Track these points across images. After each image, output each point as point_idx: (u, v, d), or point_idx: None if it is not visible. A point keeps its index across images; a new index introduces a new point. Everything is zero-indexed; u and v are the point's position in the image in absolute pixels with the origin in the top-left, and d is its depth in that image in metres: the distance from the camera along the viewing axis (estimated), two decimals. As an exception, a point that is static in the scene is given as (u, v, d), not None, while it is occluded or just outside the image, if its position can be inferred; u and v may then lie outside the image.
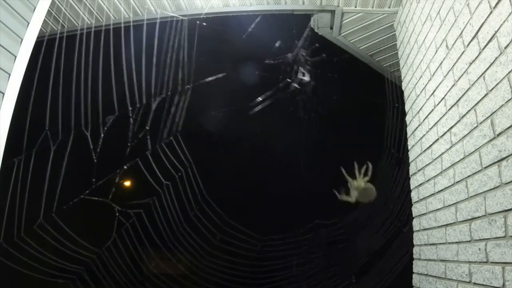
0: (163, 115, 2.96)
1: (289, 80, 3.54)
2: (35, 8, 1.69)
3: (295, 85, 3.54)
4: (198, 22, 2.81)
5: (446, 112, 1.83)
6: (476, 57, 1.50)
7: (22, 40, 1.62)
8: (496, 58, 1.34)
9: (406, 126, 2.57)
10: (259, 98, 3.55)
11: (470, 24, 1.57)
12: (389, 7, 2.78)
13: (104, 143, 2.65)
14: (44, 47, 2.10)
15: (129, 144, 2.83)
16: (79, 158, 2.84)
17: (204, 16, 2.79)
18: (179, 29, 2.75)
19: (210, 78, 3.22)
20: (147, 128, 2.86)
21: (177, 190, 3.24)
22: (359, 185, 2.82)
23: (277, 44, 3.34)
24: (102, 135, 2.61)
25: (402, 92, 2.69)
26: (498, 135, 1.32)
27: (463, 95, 1.63)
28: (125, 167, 2.99)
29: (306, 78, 3.51)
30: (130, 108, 2.73)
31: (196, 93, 3.05)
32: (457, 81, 1.69)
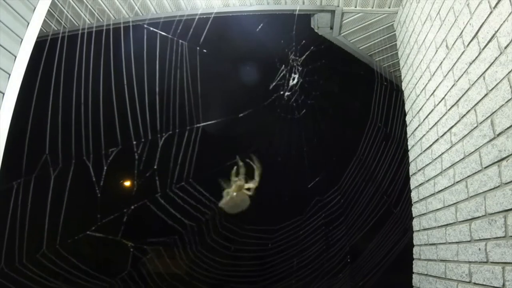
0: (171, 153, 2.70)
1: (281, 92, 3.52)
2: (35, 8, 1.69)
3: (287, 93, 3.53)
4: (204, 50, 2.76)
5: (446, 112, 1.83)
6: (476, 57, 1.50)
7: (22, 40, 1.62)
8: (496, 58, 1.34)
9: (394, 103, 2.54)
10: (249, 110, 3.52)
11: (470, 24, 1.57)
12: (389, 7, 2.78)
13: (108, 175, 2.50)
14: (47, 47, 2.09)
15: (135, 182, 2.68)
16: (81, 186, 2.71)
17: (204, 16, 2.79)
18: (180, 32, 2.69)
19: (216, 120, 3.04)
20: (155, 167, 2.66)
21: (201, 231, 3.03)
22: (239, 188, 2.38)
23: (277, 60, 3.33)
24: (105, 167, 2.45)
25: (403, 93, 2.70)
26: (498, 135, 1.32)
27: (463, 95, 1.63)
28: (132, 207, 2.82)
29: (295, 80, 3.51)
30: (134, 142, 2.55)
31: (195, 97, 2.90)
32: (457, 81, 1.70)
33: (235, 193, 2.36)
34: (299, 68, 3.49)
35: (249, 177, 2.46)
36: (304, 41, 3.35)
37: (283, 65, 3.43)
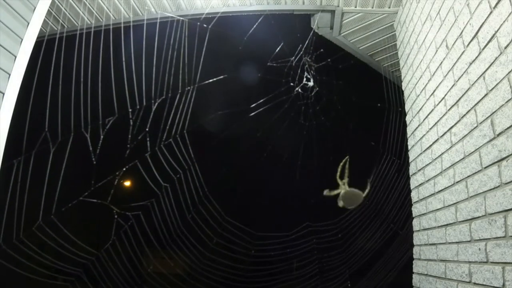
0: (163, 117, 2.93)
1: (292, 84, 3.51)
2: (35, 8, 1.69)
3: (299, 89, 3.51)
4: (198, 23, 2.79)
5: (446, 112, 1.83)
6: (476, 57, 1.50)
7: (22, 40, 1.62)
8: (496, 58, 1.34)
9: (407, 130, 2.55)
10: (260, 100, 3.53)
11: (470, 24, 1.57)
12: (389, 7, 2.78)
13: (103, 145, 2.61)
14: (44, 47, 2.09)
15: (128, 146, 2.81)
16: (78, 160, 2.82)
17: (204, 16, 2.79)
18: (179, 29, 2.73)
19: (211, 80, 3.20)
20: (147, 130, 2.83)
21: (176, 192, 3.20)
22: (342, 188, 2.61)
23: (279, 47, 3.32)
24: (102, 136, 2.57)
25: (403, 93, 2.68)
26: (498, 135, 1.32)
27: (463, 95, 1.63)
28: (124, 169, 2.95)
29: (310, 83, 3.49)
30: (130, 110, 2.71)
31: (197, 94, 3.03)
32: (457, 81, 1.70)
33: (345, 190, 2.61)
34: (312, 73, 3.48)
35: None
36: (322, 50, 3.36)
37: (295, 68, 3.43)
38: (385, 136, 3.31)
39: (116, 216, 3.05)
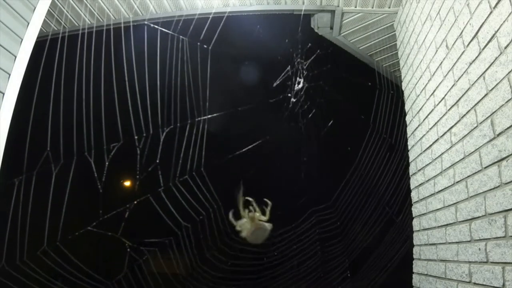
0: (173, 148, 2.70)
1: (289, 95, 3.49)
2: (35, 8, 1.69)
3: (292, 99, 3.51)
4: (205, 46, 2.74)
5: (446, 112, 1.83)
6: (476, 57, 1.50)
7: (22, 40, 1.62)
8: (496, 58, 1.34)
9: (400, 112, 2.53)
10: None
11: (470, 24, 1.57)
12: (389, 7, 2.78)
13: (109, 171, 2.47)
14: (46, 47, 2.09)
15: (137, 176, 2.62)
16: (82, 183, 2.67)
17: (204, 17, 2.79)
18: (180, 31, 2.68)
19: (220, 113, 2.96)
20: (157, 161, 2.63)
21: (197, 233, 2.97)
22: (253, 220, 2.41)
23: (278, 57, 3.32)
24: (107, 163, 2.42)
25: (395, 82, 2.68)
26: (498, 135, 1.32)
27: (463, 95, 1.63)
28: (135, 202, 2.78)
29: (300, 85, 3.49)
30: (136, 137, 2.52)
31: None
32: (457, 81, 1.70)
33: (250, 224, 2.41)
34: (304, 71, 3.47)
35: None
36: (310, 44, 3.34)
37: (289, 66, 3.42)
38: (375, 114, 3.32)
39: (128, 250, 2.88)
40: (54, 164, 2.12)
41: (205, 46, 2.79)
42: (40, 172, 2.07)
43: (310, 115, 3.73)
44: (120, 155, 2.50)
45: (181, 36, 2.69)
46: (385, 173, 3.39)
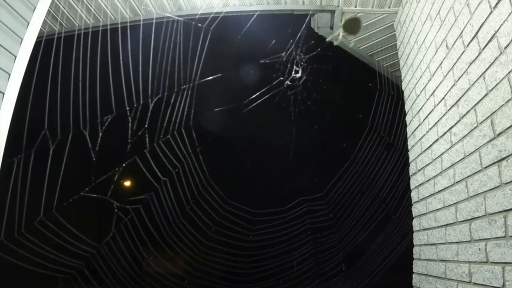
0: (160, 114, 2.99)
1: (282, 78, 3.57)
2: (35, 8, 1.69)
3: (288, 82, 3.57)
4: (199, 24, 2.80)
5: (446, 112, 1.83)
6: (476, 57, 1.50)
7: (22, 40, 1.62)
8: (496, 58, 1.34)
9: (399, 112, 2.54)
10: (253, 96, 3.59)
11: (470, 24, 1.57)
12: (389, 7, 2.78)
13: (103, 142, 2.67)
14: (43, 46, 2.10)
15: (129, 141, 2.84)
16: (78, 157, 2.85)
17: (204, 17, 2.79)
18: (177, 29, 2.75)
19: (207, 79, 3.23)
20: (146, 126, 2.88)
21: (174, 185, 3.28)
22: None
23: (272, 43, 3.36)
24: (100, 134, 2.62)
25: (396, 83, 2.69)
26: (498, 135, 1.32)
27: (463, 95, 1.63)
28: (124, 165, 3.02)
29: (298, 74, 3.54)
30: (128, 108, 2.75)
31: (195, 92, 3.07)
32: (457, 81, 1.70)
33: None
34: (303, 63, 3.51)
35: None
36: (312, 42, 3.38)
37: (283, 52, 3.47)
38: (375, 114, 3.34)
39: (116, 210, 3.09)
40: (51, 141, 2.23)
41: (199, 25, 2.87)
42: (38, 149, 2.18)
43: (303, 107, 3.77)
44: (113, 126, 2.71)
45: (176, 17, 2.79)
46: (382, 170, 3.40)
